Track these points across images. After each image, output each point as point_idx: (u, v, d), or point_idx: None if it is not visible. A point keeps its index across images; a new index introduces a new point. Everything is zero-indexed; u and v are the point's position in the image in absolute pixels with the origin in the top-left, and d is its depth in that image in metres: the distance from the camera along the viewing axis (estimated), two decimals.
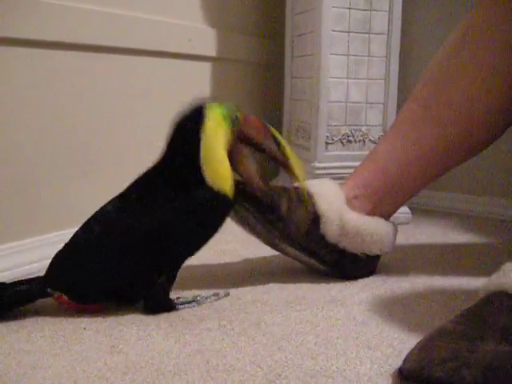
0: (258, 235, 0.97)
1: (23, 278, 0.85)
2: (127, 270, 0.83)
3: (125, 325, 0.80)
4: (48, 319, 0.82)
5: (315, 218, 0.95)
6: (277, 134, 0.88)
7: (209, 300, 0.89)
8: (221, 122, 0.82)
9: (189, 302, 0.88)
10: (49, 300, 0.84)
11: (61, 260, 0.84)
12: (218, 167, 0.81)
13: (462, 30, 0.97)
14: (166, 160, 0.85)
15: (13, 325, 0.80)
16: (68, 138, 1.10)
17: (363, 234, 0.96)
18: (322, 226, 0.95)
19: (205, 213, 0.83)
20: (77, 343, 0.74)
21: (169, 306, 0.86)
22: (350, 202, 0.97)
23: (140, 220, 0.81)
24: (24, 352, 0.72)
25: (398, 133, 1.00)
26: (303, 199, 0.95)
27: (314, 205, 0.96)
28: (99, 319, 0.82)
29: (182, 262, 0.87)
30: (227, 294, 0.92)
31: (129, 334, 0.77)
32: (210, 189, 0.81)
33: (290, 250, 0.97)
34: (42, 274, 0.84)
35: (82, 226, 0.85)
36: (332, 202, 0.95)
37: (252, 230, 0.97)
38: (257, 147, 0.88)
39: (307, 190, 0.97)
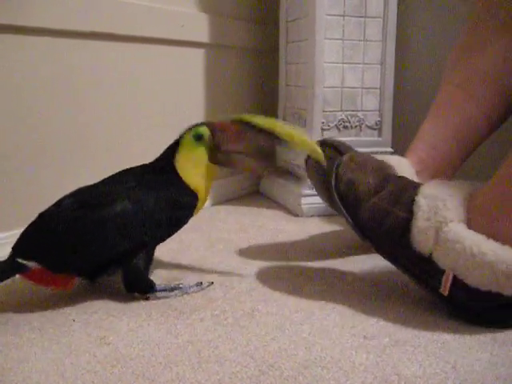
0: None
1: None
2: (101, 243, 0.82)
3: (115, 316, 0.78)
4: (36, 311, 0.80)
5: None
6: (254, 121, 0.86)
7: (192, 289, 0.88)
8: (190, 147, 0.87)
9: (171, 290, 0.87)
10: (39, 291, 0.82)
11: (33, 229, 0.83)
12: (191, 180, 0.87)
13: (477, 12, 1.02)
14: (151, 163, 0.90)
15: (1, 317, 0.78)
16: (64, 125, 1.08)
17: None
18: None
19: (181, 204, 0.87)
20: (66, 335, 0.73)
21: (147, 287, 0.85)
22: (414, 176, 0.98)
23: (116, 197, 0.83)
24: (11, 345, 0.70)
25: (438, 111, 1.04)
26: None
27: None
28: (89, 310, 0.80)
29: (155, 244, 0.88)
30: (211, 284, 0.91)
31: (119, 326, 0.75)
32: (187, 186, 0.87)
33: None
34: None
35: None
36: (405, 173, 0.95)
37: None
38: (240, 150, 0.88)
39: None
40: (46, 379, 0.62)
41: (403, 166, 0.95)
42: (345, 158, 0.91)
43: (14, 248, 0.82)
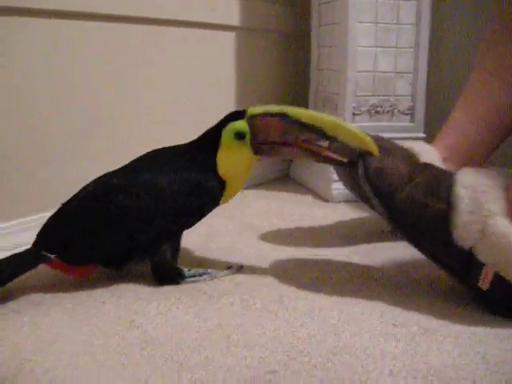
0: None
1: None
2: (123, 233, 0.83)
3: (145, 299, 0.79)
4: (68, 293, 0.81)
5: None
6: (297, 115, 0.83)
7: (221, 274, 0.88)
8: (231, 144, 0.84)
9: (200, 275, 0.87)
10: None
11: (53, 221, 0.84)
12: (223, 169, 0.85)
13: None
14: (185, 148, 0.87)
15: (33, 299, 0.79)
16: (81, 111, 1.08)
17: None
18: None
19: (204, 189, 0.84)
20: (96, 317, 0.73)
21: (176, 275, 0.85)
22: (441, 164, 0.96)
23: (141, 182, 0.82)
24: (43, 326, 0.71)
25: (469, 98, 1.03)
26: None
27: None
28: (119, 293, 0.81)
29: (179, 232, 0.88)
30: (240, 268, 0.91)
31: (148, 309, 0.76)
32: (217, 174, 0.84)
33: None
34: None
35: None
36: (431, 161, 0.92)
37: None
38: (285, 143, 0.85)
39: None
40: (77, 360, 0.63)
41: (428, 153, 0.93)
42: None
43: (36, 238, 0.83)
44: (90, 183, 0.85)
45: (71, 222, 0.83)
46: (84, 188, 0.85)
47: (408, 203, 0.81)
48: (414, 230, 0.81)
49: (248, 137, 0.83)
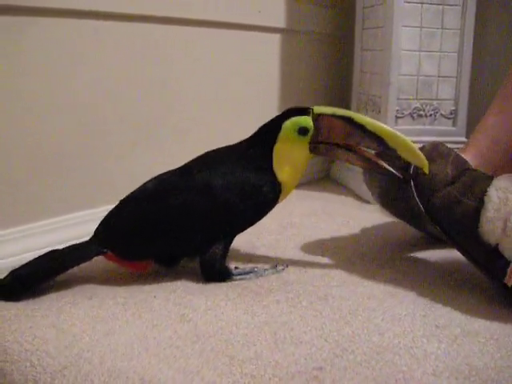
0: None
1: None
2: (179, 232, 0.85)
3: (194, 294, 0.82)
4: (119, 287, 0.84)
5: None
6: (363, 122, 0.84)
7: (267, 272, 0.90)
8: (291, 138, 0.85)
9: (246, 273, 0.89)
10: (121, 268, 0.87)
11: (109, 216, 0.87)
12: (281, 171, 0.86)
13: None
14: (241, 147, 0.88)
15: (86, 292, 0.82)
16: (118, 112, 1.10)
17: None
18: None
19: (262, 193, 0.86)
20: (148, 311, 0.76)
21: (224, 274, 0.87)
22: None
23: (199, 184, 0.84)
24: (98, 318, 0.74)
25: (503, 104, 1.02)
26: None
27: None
28: (169, 289, 0.84)
29: (235, 233, 0.89)
30: (286, 267, 0.93)
31: (198, 304, 0.78)
32: (274, 176, 0.86)
33: None
34: None
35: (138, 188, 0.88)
36: None
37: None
38: (344, 146, 0.87)
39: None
40: (131, 352, 0.66)
41: None
42: (427, 146, 0.91)
43: (95, 231, 0.86)
44: (149, 181, 0.87)
45: (127, 218, 0.86)
46: (143, 185, 0.87)
47: (444, 200, 0.85)
48: (449, 226, 0.84)
49: (310, 133, 0.84)
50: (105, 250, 0.84)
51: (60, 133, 0.99)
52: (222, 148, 0.90)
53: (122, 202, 0.87)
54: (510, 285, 0.77)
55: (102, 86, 1.04)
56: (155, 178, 0.88)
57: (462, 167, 0.88)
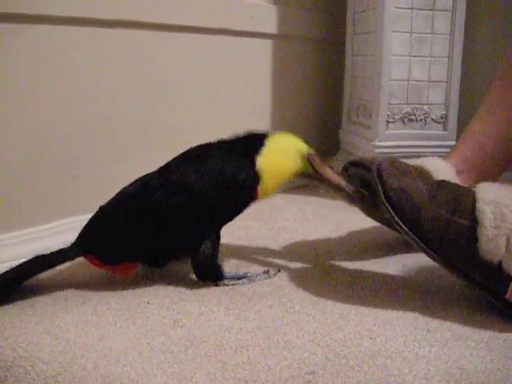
0: None
1: None
2: (159, 232, 0.85)
3: (187, 300, 0.82)
4: (112, 293, 0.85)
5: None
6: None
7: (259, 278, 0.91)
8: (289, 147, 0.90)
9: (239, 278, 0.89)
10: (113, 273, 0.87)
11: (91, 221, 0.88)
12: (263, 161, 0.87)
13: None
14: (227, 143, 0.90)
15: (80, 297, 0.83)
16: (113, 117, 1.11)
17: None
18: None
19: (237, 181, 0.86)
20: (141, 316, 0.77)
21: (217, 272, 0.88)
22: (454, 177, 0.97)
23: (175, 181, 0.85)
24: (91, 323, 0.74)
25: (490, 109, 1.02)
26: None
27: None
28: (162, 294, 0.84)
29: (217, 227, 0.90)
30: (278, 272, 0.93)
31: (191, 309, 0.79)
32: (252, 163, 0.87)
33: None
34: None
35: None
36: (445, 176, 0.92)
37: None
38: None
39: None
40: (125, 357, 0.66)
41: (442, 169, 0.93)
42: (384, 164, 0.86)
43: (77, 237, 0.87)
44: (130, 184, 0.88)
45: (105, 221, 0.86)
46: (123, 188, 0.88)
47: (433, 221, 0.80)
48: (438, 247, 0.80)
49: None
50: (85, 253, 0.85)
51: (58, 138, 1.00)
52: (206, 143, 0.90)
53: (101, 207, 0.88)
54: (511, 300, 0.77)
55: (100, 93, 1.05)
56: (135, 180, 0.88)
57: (430, 180, 0.86)
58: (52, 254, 0.84)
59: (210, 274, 0.88)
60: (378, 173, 0.84)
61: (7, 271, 0.82)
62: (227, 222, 0.90)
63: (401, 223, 0.81)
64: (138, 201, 0.85)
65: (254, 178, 0.86)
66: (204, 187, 0.84)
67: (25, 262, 0.84)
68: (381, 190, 0.83)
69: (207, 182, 0.84)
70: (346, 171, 0.96)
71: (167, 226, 0.85)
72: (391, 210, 0.82)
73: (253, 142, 0.88)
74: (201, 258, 0.87)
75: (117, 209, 0.86)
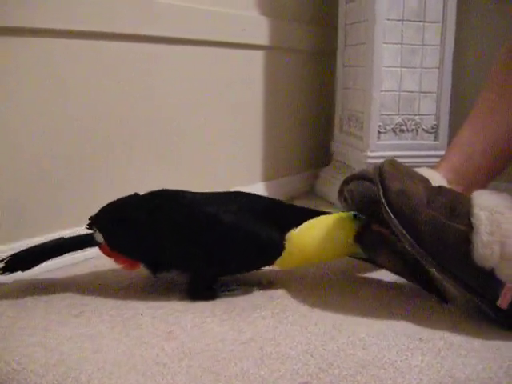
0: None
1: None
2: (173, 248, 0.88)
3: (180, 311, 0.82)
4: (106, 305, 0.85)
5: None
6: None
7: (252, 289, 0.91)
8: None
9: (232, 290, 0.90)
10: (106, 285, 0.87)
11: (112, 207, 0.90)
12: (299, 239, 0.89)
13: None
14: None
15: (73, 310, 0.83)
16: (115, 129, 1.12)
17: None
18: None
19: (264, 251, 0.89)
20: (135, 328, 0.77)
21: (208, 295, 0.88)
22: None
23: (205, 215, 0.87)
24: (84, 336, 0.74)
25: (478, 119, 1.02)
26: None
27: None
28: (156, 306, 0.84)
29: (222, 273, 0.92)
30: (270, 283, 0.94)
31: (184, 321, 0.79)
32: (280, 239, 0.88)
33: None
34: None
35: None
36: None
37: None
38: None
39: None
40: (119, 370, 0.66)
41: (435, 179, 0.93)
42: (386, 166, 0.87)
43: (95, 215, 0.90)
44: (162, 193, 0.91)
45: (127, 217, 0.89)
46: (149, 194, 0.90)
47: (429, 224, 0.81)
48: (434, 250, 0.81)
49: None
50: (97, 241, 0.88)
51: (57, 150, 1.01)
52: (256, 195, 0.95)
53: (120, 199, 0.91)
54: (504, 307, 0.77)
55: (98, 104, 1.05)
56: (171, 194, 0.91)
57: (430, 185, 0.87)
58: (71, 239, 0.91)
59: (201, 295, 0.88)
60: (379, 174, 0.86)
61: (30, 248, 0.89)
62: (233, 272, 0.93)
63: (398, 225, 0.83)
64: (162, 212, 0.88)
65: (275, 248, 0.89)
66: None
67: (43, 244, 0.90)
68: (381, 190, 0.84)
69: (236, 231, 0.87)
70: (346, 185, 0.97)
71: (186, 245, 0.87)
72: (389, 212, 0.83)
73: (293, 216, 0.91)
74: (196, 280, 0.89)
75: (139, 211, 0.88)
